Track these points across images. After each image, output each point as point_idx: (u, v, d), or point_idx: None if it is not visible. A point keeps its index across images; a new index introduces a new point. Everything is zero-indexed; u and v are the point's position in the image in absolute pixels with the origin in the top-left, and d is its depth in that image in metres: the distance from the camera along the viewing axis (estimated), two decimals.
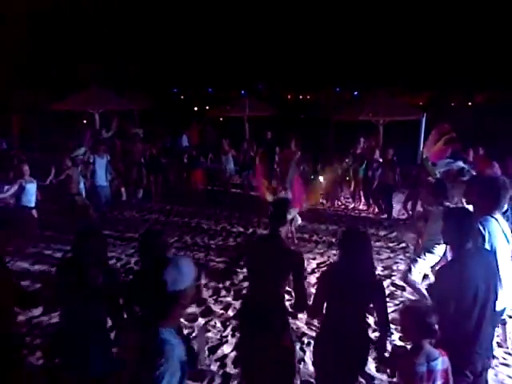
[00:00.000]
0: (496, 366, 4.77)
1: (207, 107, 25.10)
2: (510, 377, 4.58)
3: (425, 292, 5.28)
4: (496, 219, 3.86)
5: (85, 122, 17.40)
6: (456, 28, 23.36)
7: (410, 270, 5.56)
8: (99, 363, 3.41)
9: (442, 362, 2.85)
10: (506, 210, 7.30)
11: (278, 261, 3.55)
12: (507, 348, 5.05)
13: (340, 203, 12.02)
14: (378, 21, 24.51)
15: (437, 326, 2.82)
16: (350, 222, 10.35)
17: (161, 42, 21.98)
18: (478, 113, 22.69)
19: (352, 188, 11.94)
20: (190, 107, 27.06)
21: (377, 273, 6.99)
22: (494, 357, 4.91)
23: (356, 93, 26.22)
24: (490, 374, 4.60)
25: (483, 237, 3.68)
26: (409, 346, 3.00)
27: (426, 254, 5.46)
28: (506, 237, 3.89)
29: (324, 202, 11.99)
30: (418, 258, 5.53)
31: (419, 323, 2.81)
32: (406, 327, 2.92)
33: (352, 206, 11.83)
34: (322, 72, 26.22)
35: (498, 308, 3.55)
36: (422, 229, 6.22)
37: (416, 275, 5.56)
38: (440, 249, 5.34)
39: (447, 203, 5.25)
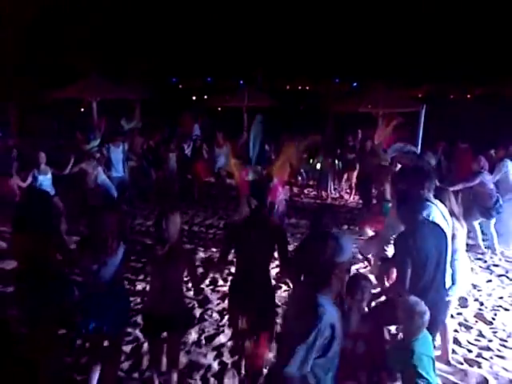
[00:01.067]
0: (491, 357, 4.80)
1: (206, 97, 25.00)
2: (505, 369, 4.60)
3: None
4: (435, 204, 4.17)
5: (82, 110, 17.32)
6: (456, 20, 23.25)
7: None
8: (118, 321, 3.83)
9: None
10: (497, 201, 7.39)
11: (265, 235, 3.85)
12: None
13: (338, 195, 12.06)
14: (377, 12, 24.35)
15: (365, 294, 3.49)
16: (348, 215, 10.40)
17: (160, 31, 21.84)
18: (477, 105, 22.68)
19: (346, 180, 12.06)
20: (189, 97, 26.94)
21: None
22: (489, 349, 4.96)
23: (355, 84, 26.10)
24: (485, 366, 4.65)
25: None
26: None
27: (387, 244, 5.30)
28: (446, 221, 4.17)
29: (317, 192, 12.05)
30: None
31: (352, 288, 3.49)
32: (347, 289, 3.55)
33: (349, 197, 11.88)
34: (321, 63, 26.09)
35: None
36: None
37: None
38: None
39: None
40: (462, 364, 4.68)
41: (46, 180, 7.73)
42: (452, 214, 4.37)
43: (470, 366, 4.66)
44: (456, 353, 4.87)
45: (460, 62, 23.58)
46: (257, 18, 25.27)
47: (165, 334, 3.89)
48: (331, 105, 16.52)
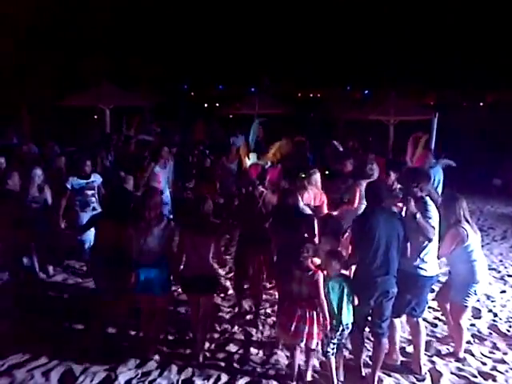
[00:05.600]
0: (506, 371, 4.71)
1: (217, 104, 25.05)
2: None
3: None
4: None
5: (95, 117, 17.44)
6: (468, 27, 23.17)
7: None
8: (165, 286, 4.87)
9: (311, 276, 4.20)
10: None
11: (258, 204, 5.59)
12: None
13: None
14: (389, 20, 24.36)
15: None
16: None
17: (171, 39, 22.05)
18: (490, 113, 22.47)
19: None
20: (201, 104, 26.98)
21: None
22: (504, 362, 4.87)
23: (367, 92, 26.06)
24: (501, 379, 4.56)
25: None
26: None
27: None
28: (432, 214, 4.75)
29: None
30: None
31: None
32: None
33: None
34: (332, 70, 26.09)
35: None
36: None
37: None
38: None
39: None
40: (475, 377, 4.60)
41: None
42: (466, 220, 4.73)
43: (484, 379, 4.57)
44: (470, 365, 4.79)
45: (472, 69, 23.46)
46: (268, 26, 25.40)
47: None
48: (342, 112, 16.44)
